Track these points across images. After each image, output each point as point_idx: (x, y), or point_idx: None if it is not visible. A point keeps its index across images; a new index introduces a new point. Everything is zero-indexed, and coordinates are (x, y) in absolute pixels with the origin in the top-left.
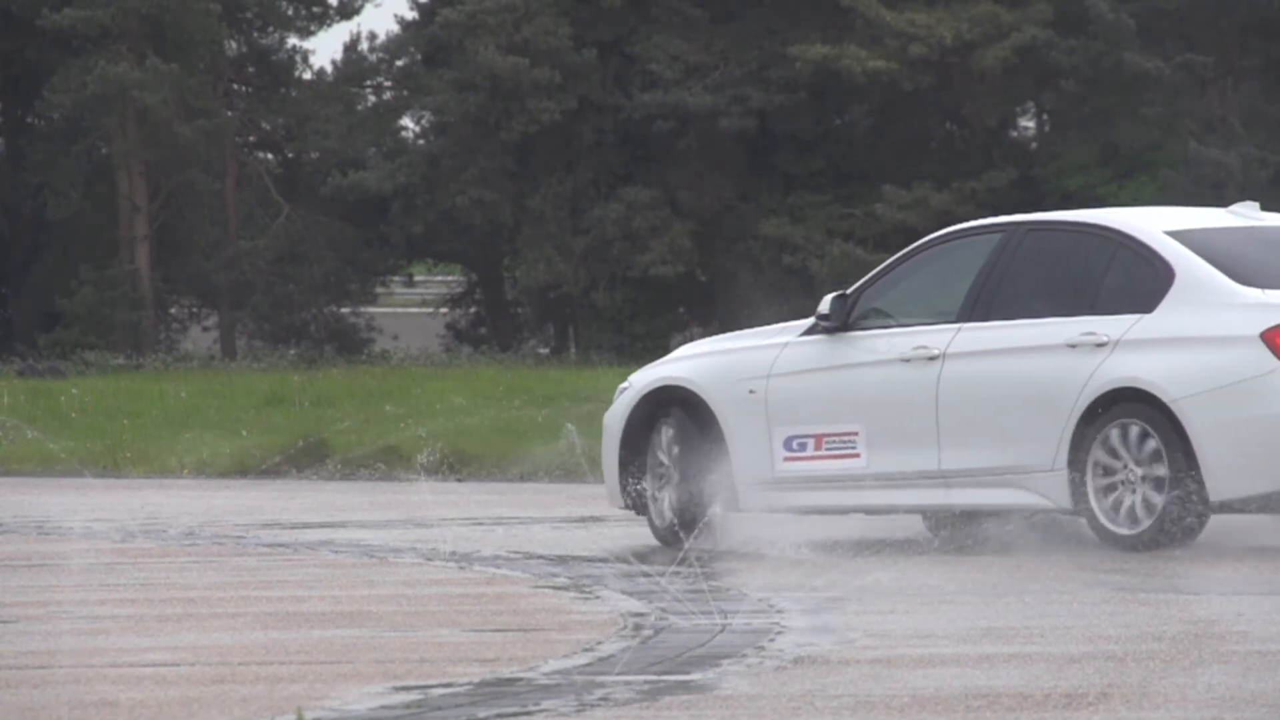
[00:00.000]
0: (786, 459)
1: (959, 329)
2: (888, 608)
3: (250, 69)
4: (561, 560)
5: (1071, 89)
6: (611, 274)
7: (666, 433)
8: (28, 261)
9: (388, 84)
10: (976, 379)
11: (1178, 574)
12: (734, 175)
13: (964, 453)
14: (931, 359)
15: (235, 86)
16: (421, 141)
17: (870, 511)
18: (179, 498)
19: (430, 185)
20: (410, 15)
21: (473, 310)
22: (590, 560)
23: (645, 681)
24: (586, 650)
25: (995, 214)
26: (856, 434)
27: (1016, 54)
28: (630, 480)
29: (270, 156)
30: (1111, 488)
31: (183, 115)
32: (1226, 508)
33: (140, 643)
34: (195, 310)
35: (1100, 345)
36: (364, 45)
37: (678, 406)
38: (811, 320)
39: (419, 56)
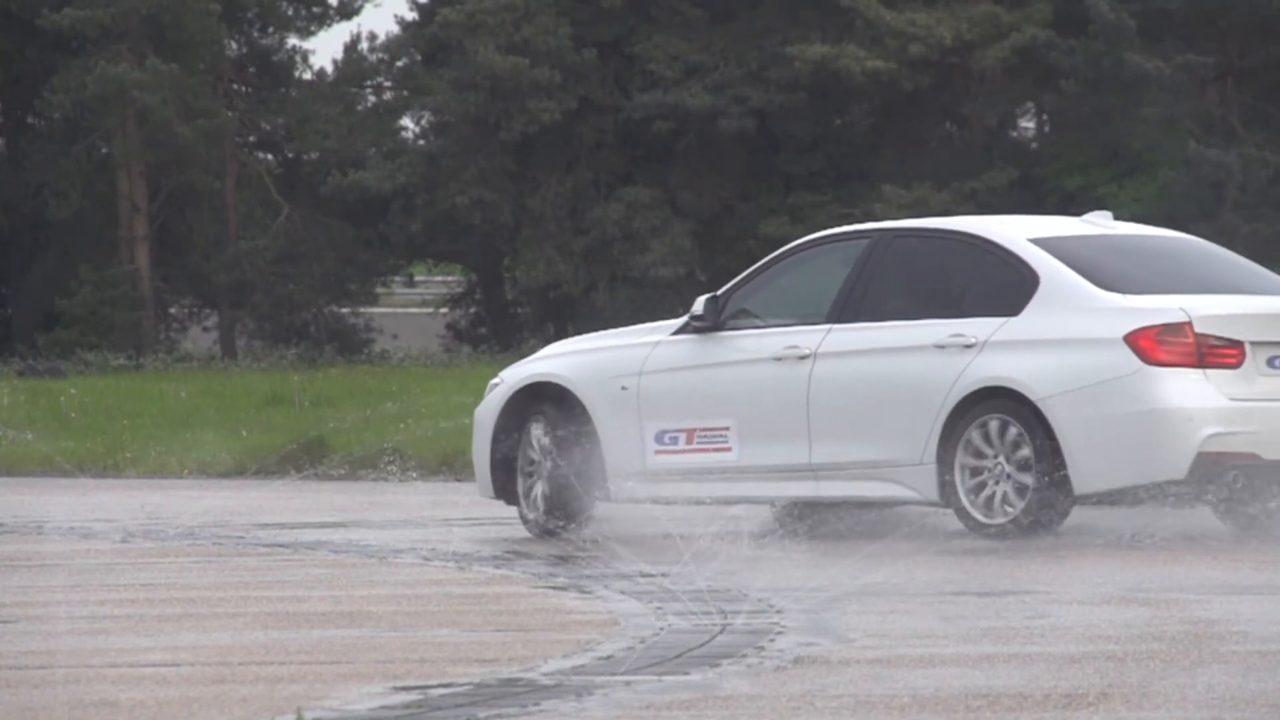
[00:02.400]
0: (658, 452)
1: (829, 330)
2: (888, 608)
3: (250, 69)
4: (561, 560)
5: (1071, 89)
6: (611, 274)
7: (538, 427)
8: (28, 261)
9: (388, 84)
10: (847, 377)
11: (1178, 574)
12: (734, 175)
13: (834, 447)
14: (803, 358)
15: (235, 86)
16: (421, 141)
17: (740, 502)
18: (179, 498)
19: (430, 185)
20: (410, 15)
21: (473, 310)
22: (590, 560)
23: (645, 681)
24: (586, 650)
25: (996, 215)
26: (728, 429)
27: (1016, 54)
28: (501, 473)
29: (270, 156)
30: (980, 481)
31: (183, 115)
32: (1090, 500)
33: (140, 643)
34: (195, 310)
35: (968, 346)
36: (364, 45)
37: (550, 402)
38: (682, 320)
39: (419, 56)
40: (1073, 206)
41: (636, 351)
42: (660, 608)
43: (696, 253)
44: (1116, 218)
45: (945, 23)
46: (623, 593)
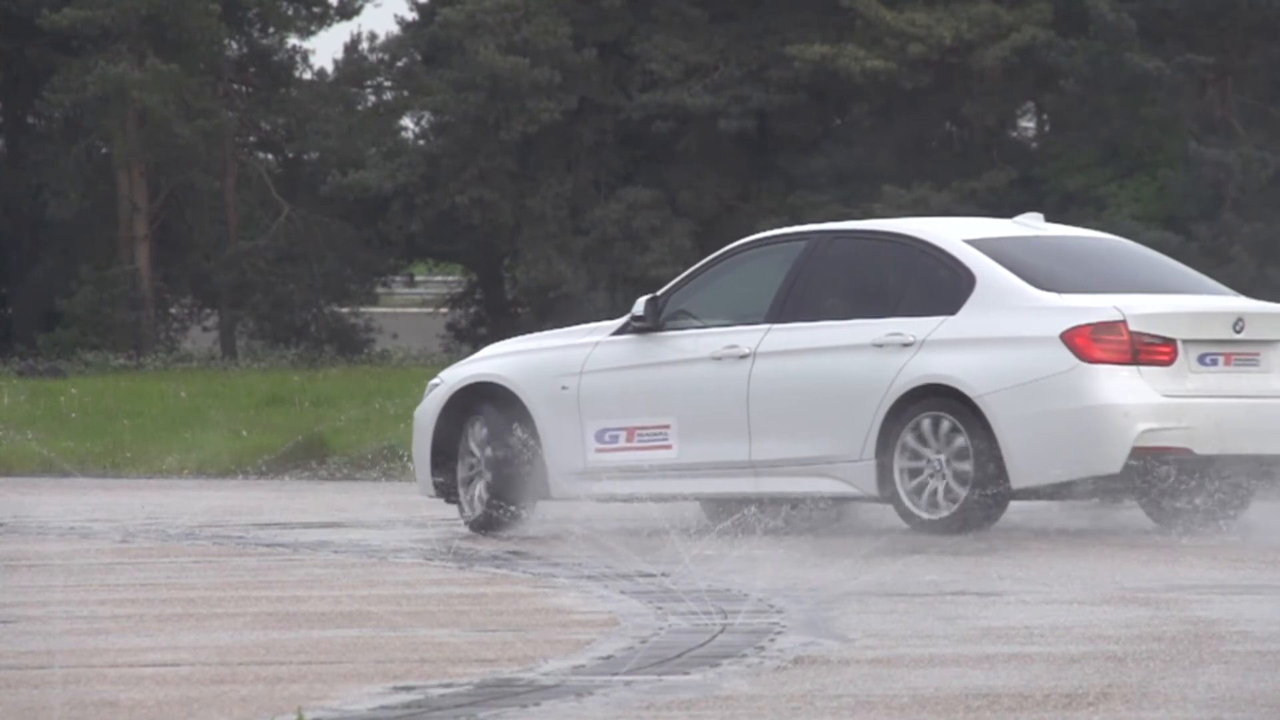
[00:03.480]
0: (598, 450)
1: (768, 329)
2: (888, 608)
3: (250, 69)
4: (561, 560)
5: (1071, 89)
6: (611, 274)
7: (479, 427)
8: (28, 261)
9: (388, 84)
10: (786, 375)
11: (1178, 574)
12: (734, 175)
13: (774, 444)
14: (742, 357)
15: (235, 86)
16: (421, 141)
17: (680, 499)
18: (179, 498)
19: (430, 185)
20: (410, 15)
21: (473, 310)
22: (590, 560)
23: (645, 681)
24: (586, 650)
25: (995, 214)
26: (668, 427)
27: (1016, 54)
28: (441, 471)
29: (270, 156)
30: (918, 476)
31: (183, 115)
32: (1027, 494)
33: (140, 643)
34: (195, 310)
35: (906, 345)
36: (364, 45)
37: (490, 402)
38: (621, 321)
39: (419, 56)
40: (1073, 206)
41: (577, 352)
42: (660, 608)
43: (696, 253)
44: (1118, 217)
45: (945, 23)
46: (623, 593)
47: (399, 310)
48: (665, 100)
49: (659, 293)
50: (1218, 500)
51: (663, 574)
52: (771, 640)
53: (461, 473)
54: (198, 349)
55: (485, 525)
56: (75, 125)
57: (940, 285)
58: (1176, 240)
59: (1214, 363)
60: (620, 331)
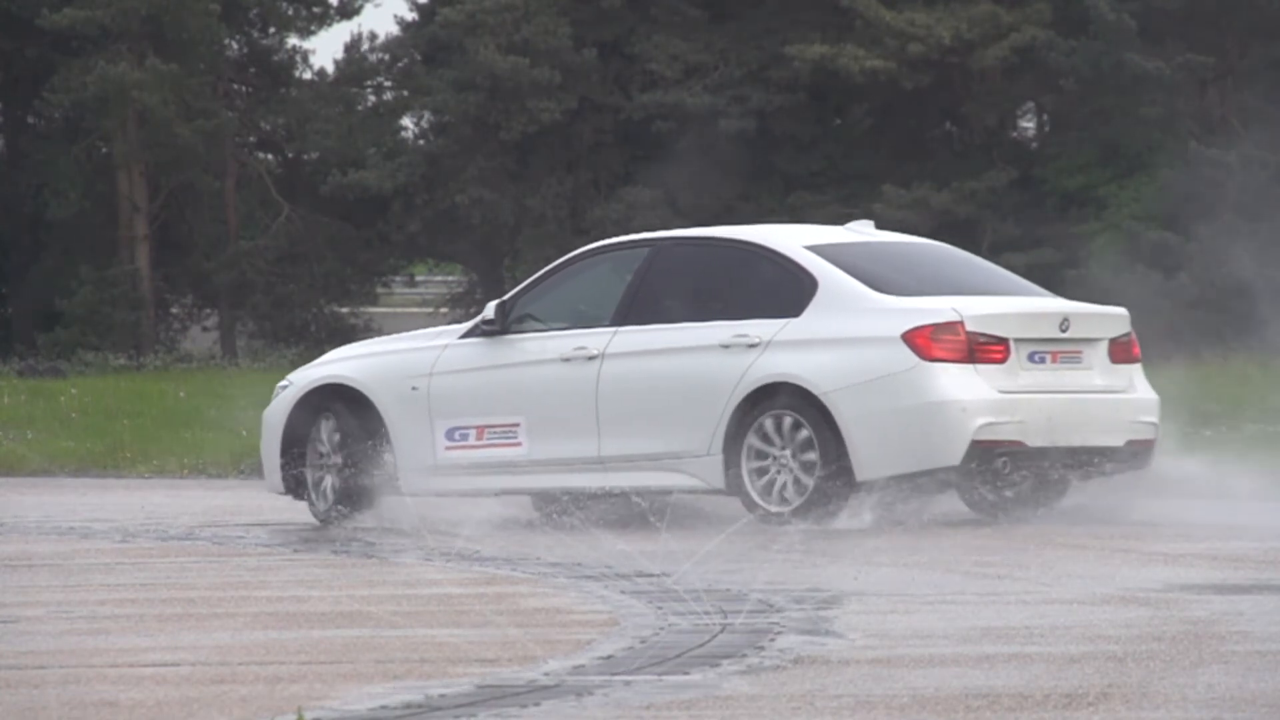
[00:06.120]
0: (448, 448)
1: (615, 332)
2: (888, 608)
3: (250, 69)
4: (561, 560)
5: (1071, 89)
6: None
7: (328, 425)
8: (28, 261)
9: (388, 84)
10: (635, 375)
11: (1178, 574)
12: (734, 175)
13: (623, 441)
14: (591, 358)
15: (235, 86)
16: (421, 141)
17: (530, 494)
18: (179, 498)
19: (430, 185)
20: (410, 15)
21: (473, 310)
22: (590, 560)
23: (645, 681)
24: (586, 650)
25: (995, 214)
26: (518, 425)
27: (1016, 54)
28: (291, 469)
29: (270, 156)
30: (764, 471)
31: (183, 115)
32: (871, 487)
33: (140, 643)
34: (195, 310)
35: (752, 345)
36: (364, 45)
37: (340, 402)
38: (469, 325)
39: (419, 56)
40: (1073, 206)
41: (426, 354)
42: (660, 607)
43: None
44: (1118, 217)
45: (945, 22)
46: (623, 592)
47: (399, 310)
48: (665, 100)
49: (506, 297)
50: (1042, 490)
51: (663, 574)
52: (771, 640)
53: (311, 470)
54: (198, 349)
55: (334, 519)
56: (75, 125)
57: (783, 289)
58: (1176, 240)
59: (1042, 360)
60: (469, 335)
